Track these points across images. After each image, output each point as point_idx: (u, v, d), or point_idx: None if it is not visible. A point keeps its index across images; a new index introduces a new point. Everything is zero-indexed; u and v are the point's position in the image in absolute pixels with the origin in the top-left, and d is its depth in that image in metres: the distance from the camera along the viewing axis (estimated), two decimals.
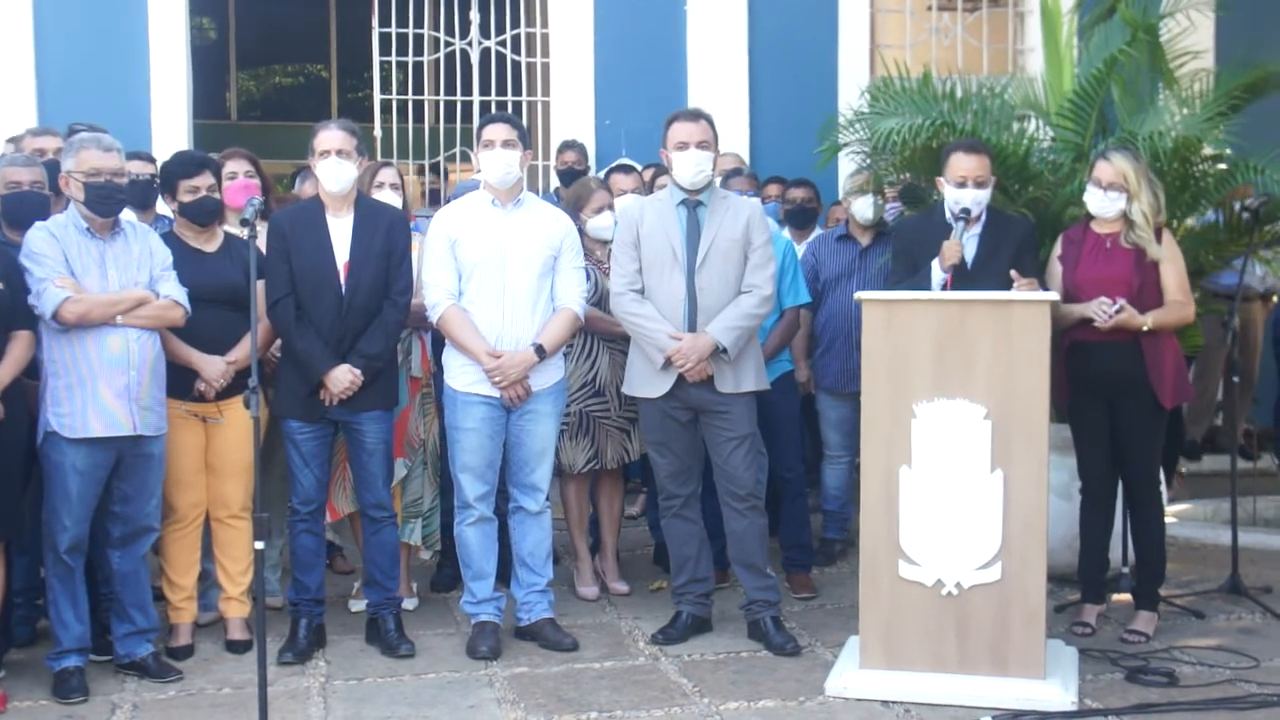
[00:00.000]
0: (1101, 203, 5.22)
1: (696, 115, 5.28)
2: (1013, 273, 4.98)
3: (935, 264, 5.14)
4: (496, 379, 5.07)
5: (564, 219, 5.40)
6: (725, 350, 5.08)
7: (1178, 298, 5.21)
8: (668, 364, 5.11)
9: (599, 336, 5.82)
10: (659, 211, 5.24)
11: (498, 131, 5.18)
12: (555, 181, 8.14)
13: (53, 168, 5.07)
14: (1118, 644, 5.19)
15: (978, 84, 6.47)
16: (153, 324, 4.79)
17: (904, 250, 5.43)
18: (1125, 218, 5.20)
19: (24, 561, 4.93)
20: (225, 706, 4.65)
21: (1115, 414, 5.27)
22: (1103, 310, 5.09)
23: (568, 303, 5.24)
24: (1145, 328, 5.11)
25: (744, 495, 5.24)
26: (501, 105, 8.72)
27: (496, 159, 5.15)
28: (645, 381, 5.23)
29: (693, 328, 5.12)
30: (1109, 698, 4.64)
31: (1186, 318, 5.31)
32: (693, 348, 5.07)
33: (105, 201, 4.73)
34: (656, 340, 5.12)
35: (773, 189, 7.49)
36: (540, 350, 5.11)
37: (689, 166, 5.17)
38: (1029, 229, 5.39)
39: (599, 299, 5.66)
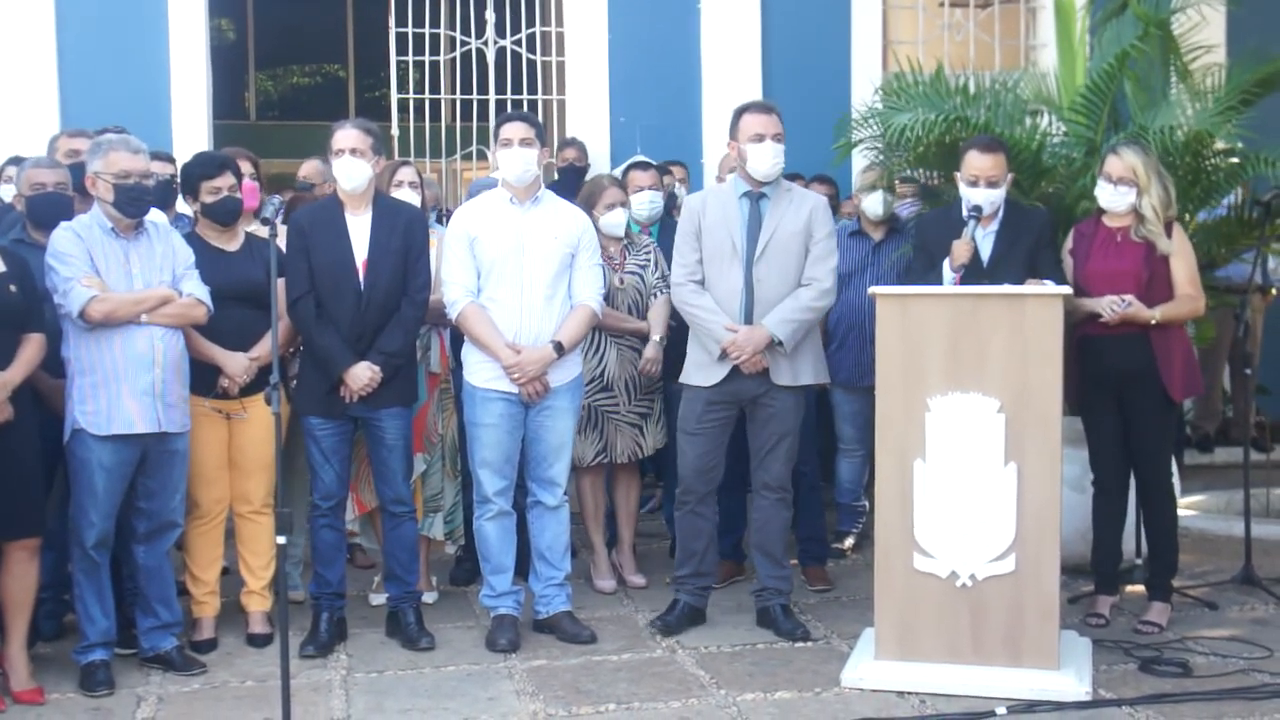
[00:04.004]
0: (1112, 197, 5.24)
1: (769, 108, 5.31)
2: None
3: (946, 264, 5.18)
4: (515, 375, 5.11)
5: (581, 216, 5.44)
6: (781, 343, 5.13)
7: (1188, 291, 5.23)
8: (723, 355, 5.16)
9: (607, 333, 5.87)
10: (722, 203, 5.28)
11: (516, 130, 5.22)
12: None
13: (76, 169, 5.12)
14: (1131, 635, 5.22)
15: (990, 79, 6.50)
16: (176, 322, 4.85)
17: (923, 246, 5.47)
18: (1135, 212, 5.22)
19: (51, 557, 4.98)
20: (248, 699, 4.70)
21: (1126, 407, 5.30)
22: (1111, 307, 5.11)
23: (585, 299, 5.28)
24: (1154, 321, 5.14)
25: (776, 487, 5.32)
26: (517, 104, 8.75)
27: (515, 157, 5.20)
28: (699, 370, 5.27)
29: (749, 319, 5.16)
30: (1123, 688, 4.66)
31: (1196, 311, 5.33)
32: (748, 340, 5.11)
33: (134, 203, 4.79)
34: (713, 331, 5.17)
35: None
36: (559, 347, 5.16)
37: (767, 158, 5.19)
38: (1046, 221, 5.41)
39: (607, 295, 5.71)
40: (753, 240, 5.21)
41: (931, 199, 6.54)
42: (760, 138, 5.19)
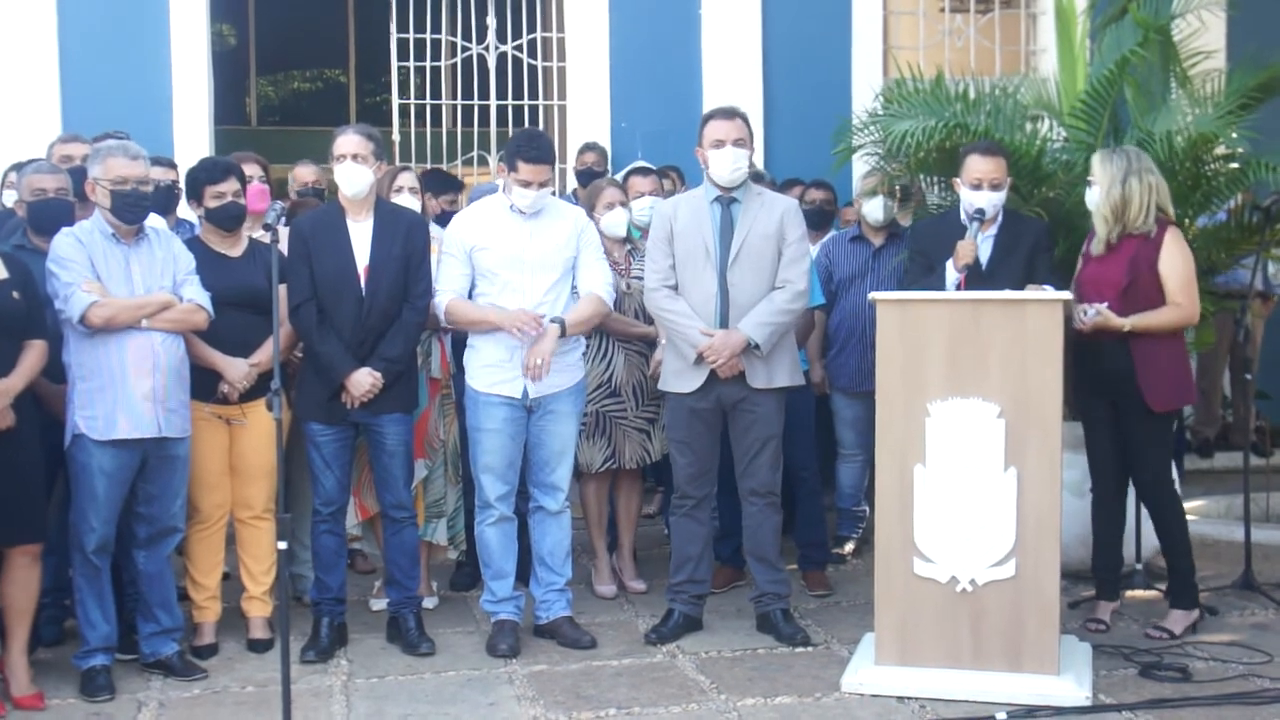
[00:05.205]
0: (1089, 199, 5.27)
1: (732, 113, 5.30)
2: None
3: (950, 264, 5.19)
4: (514, 331, 5.03)
5: (580, 216, 5.44)
6: (758, 346, 5.13)
7: (1177, 299, 5.13)
8: (699, 360, 5.16)
9: (614, 338, 5.88)
10: (693, 208, 5.29)
11: (539, 174, 5.13)
12: (573, 183, 8.19)
13: (77, 174, 5.13)
14: (1132, 640, 5.21)
15: (991, 85, 6.51)
16: (177, 327, 4.86)
17: (920, 251, 5.48)
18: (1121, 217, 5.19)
19: (51, 562, 4.98)
20: (249, 704, 4.71)
21: (1119, 413, 5.29)
22: (1080, 315, 5.08)
23: (592, 288, 5.27)
24: (1125, 329, 5.09)
25: (764, 492, 5.32)
26: (518, 109, 8.78)
27: (529, 194, 5.16)
28: (677, 377, 5.28)
29: (725, 324, 5.17)
30: (1123, 693, 4.66)
31: (1186, 320, 5.22)
32: (724, 344, 5.12)
33: (132, 209, 4.80)
34: (689, 336, 5.17)
35: (795, 191, 7.51)
36: (562, 326, 5.12)
37: (726, 164, 5.20)
38: (1044, 231, 5.42)
39: (615, 301, 5.71)
40: (726, 245, 5.21)
41: (907, 200, 6.57)
42: (720, 143, 5.20)
